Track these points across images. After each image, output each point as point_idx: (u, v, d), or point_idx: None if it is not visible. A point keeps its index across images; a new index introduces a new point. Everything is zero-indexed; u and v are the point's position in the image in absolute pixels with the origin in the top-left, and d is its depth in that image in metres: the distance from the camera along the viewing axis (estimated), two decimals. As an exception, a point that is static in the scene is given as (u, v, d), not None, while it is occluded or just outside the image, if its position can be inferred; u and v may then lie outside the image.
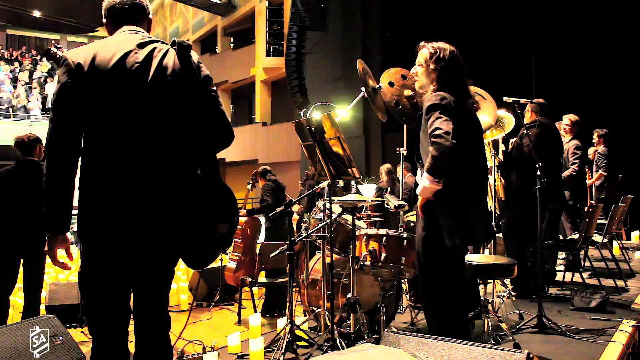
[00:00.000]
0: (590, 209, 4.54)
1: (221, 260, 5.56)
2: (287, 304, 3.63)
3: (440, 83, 2.76)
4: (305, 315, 3.86)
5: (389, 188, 6.24)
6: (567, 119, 5.47)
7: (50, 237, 1.83)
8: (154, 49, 1.90)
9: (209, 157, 1.98)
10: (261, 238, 5.27)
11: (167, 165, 1.85)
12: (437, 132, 2.54)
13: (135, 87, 1.82)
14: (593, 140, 6.69)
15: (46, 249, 1.85)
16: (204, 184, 1.95)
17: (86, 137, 1.81)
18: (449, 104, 2.64)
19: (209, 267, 5.65)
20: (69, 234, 1.89)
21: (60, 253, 1.89)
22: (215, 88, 1.97)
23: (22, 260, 3.74)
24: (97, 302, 1.88)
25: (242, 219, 4.94)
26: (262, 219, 5.21)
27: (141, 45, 1.89)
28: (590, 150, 6.76)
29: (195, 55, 1.94)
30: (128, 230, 1.81)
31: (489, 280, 3.24)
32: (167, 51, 1.90)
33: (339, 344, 3.00)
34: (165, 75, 1.86)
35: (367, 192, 5.29)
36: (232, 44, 22.12)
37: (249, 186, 5.41)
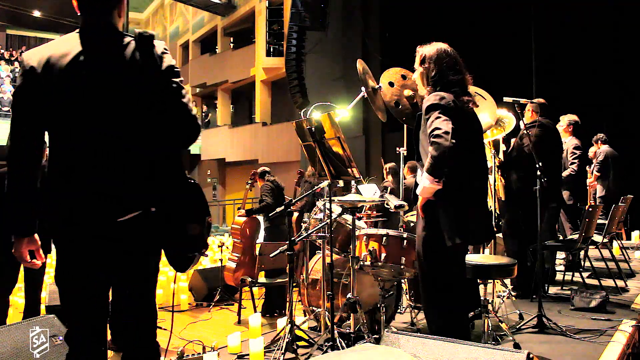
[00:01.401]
0: (590, 209, 4.54)
1: (221, 260, 5.56)
2: (287, 304, 3.63)
3: (431, 83, 2.78)
4: (305, 315, 3.86)
5: (390, 188, 6.23)
6: (562, 121, 5.47)
7: (16, 240, 1.80)
8: (113, 43, 1.83)
9: (174, 152, 1.88)
10: (260, 238, 5.27)
11: (132, 161, 1.79)
12: (437, 132, 2.54)
13: (91, 84, 1.77)
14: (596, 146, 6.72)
15: (13, 251, 1.81)
16: (173, 180, 1.85)
17: (50, 136, 1.80)
18: (448, 103, 2.64)
19: (209, 267, 5.65)
20: (37, 235, 1.84)
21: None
22: (181, 79, 1.87)
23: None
24: (69, 299, 1.86)
25: (241, 219, 4.94)
26: (261, 219, 5.21)
27: (99, 41, 1.83)
28: (591, 151, 6.76)
29: (159, 45, 1.85)
30: (95, 227, 1.77)
31: (489, 280, 3.24)
32: (127, 44, 1.83)
33: (339, 344, 2.99)
34: (121, 69, 1.80)
35: (367, 192, 5.29)
36: (232, 44, 22.12)
37: (247, 186, 5.41)
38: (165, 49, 1.86)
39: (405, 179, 5.33)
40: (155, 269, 1.97)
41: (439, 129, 2.55)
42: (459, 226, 2.64)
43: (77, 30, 1.88)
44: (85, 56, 1.78)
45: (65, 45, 1.81)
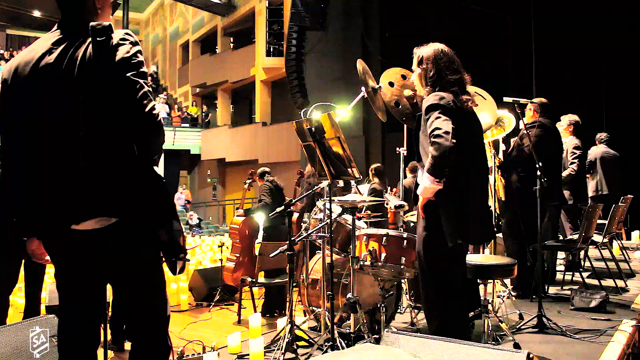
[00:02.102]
0: (590, 209, 4.54)
1: (221, 260, 5.56)
2: (287, 304, 3.63)
3: (430, 84, 2.79)
4: (305, 315, 3.86)
5: (378, 190, 6.22)
6: (563, 121, 5.47)
7: (27, 241, 1.83)
8: (72, 40, 1.75)
9: (134, 153, 1.73)
10: (259, 238, 5.27)
11: (90, 164, 1.69)
12: (437, 132, 2.54)
13: (50, 89, 1.71)
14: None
15: (28, 252, 1.84)
16: (135, 184, 1.75)
17: (24, 144, 1.78)
18: (447, 103, 2.64)
19: (209, 267, 5.63)
20: None
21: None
22: (138, 70, 1.71)
23: (22, 260, 3.74)
24: (62, 299, 1.88)
25: (239, 219, 4.94)
26: (260, 219, 5.21)
27: (57, 42, 1.76)
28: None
29: (116, 36, 1.71)
30: (68, 231, 1.73)
31: (489, 280, 3.24)
32: (84, 39, 1.73)
33: (339, 344, 2.99)
34: (72, 67, 1.69)
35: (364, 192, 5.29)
36: (232, 44, 22.12)
37: (245, 186, 5.41)
38: (122, 40, 1.72)
39: (405, 178, 5.33)
40: (149, 268, 1.86)
41: (439, 128, 2.55)
42: (460, 226, 2.64)
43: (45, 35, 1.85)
44: (42, 60, 1.74)
45: (32, 52, 1.79)
